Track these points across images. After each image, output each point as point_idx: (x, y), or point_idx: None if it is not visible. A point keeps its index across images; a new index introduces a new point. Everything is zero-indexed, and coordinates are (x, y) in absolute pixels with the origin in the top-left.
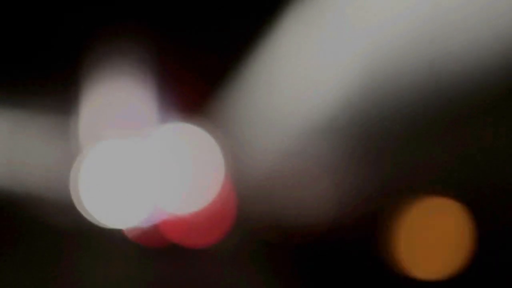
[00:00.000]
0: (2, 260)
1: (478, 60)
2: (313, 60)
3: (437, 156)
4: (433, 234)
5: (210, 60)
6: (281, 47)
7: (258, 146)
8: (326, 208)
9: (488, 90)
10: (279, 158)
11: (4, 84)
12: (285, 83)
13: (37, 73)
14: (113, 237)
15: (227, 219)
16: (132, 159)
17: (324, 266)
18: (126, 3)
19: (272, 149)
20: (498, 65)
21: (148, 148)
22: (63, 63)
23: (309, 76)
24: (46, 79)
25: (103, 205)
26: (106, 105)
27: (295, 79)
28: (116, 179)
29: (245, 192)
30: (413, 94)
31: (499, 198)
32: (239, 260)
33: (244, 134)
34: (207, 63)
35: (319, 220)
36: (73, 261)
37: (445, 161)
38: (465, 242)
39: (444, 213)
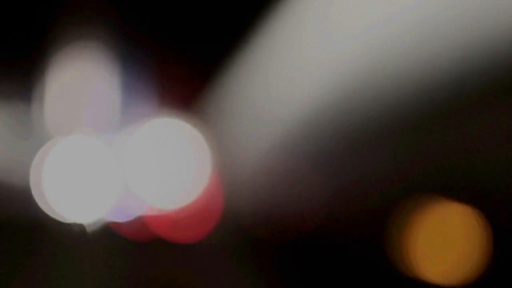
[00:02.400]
0: None
1: (475, 57)
2: (303, 57)
3: (431, 153)
4: (442, 237)
5: (199, 56)
6: (272, 44)
7: (246, 142)
8: (314, 205)
9: (483, 88)
10: (267, 154)
11: None
12: (275, 79)
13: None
14: (97, 230)
15: (214, 214)
16: (102, 154)
17: (310, 262)
18: None
19: (260, 144)
20: (495, 62)
21: (134, 142)
22: (26, 49)
23: (299, 73)
24: (8, 65)
25: (65, 199)
26: (75, 96)
27: (285, 75)
28: (79, 174)
29: (232, 187)
30: (408, 91)
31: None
32: (225, 256)
33: (232, 130)
34: (196, 58)
35: (307, 217)
36: (52, 256)
37: (441, 159)
38: (479, 248)
39: (456, 216)
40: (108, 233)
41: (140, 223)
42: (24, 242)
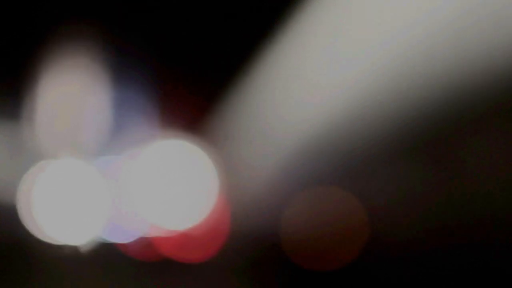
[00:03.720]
0: None
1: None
2: (309, 77)
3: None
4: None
5: (205, 76)
6: (278, 65)
7: (252, 162)
8: (324, 226)
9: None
10: (274, 175)
11: None
12: (282, 100)
13: None
14: (106, 251)
15: (221, 235)
16: (93, 176)
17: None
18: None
19: (268, 166)
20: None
21: (140, 164)
22: (16, 66)
23: (306, 93)
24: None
25: (55, 220)
26: (69, 116)
27: (291, 96)
28: (69, 196)
29: (239, 208)
30: (418, 99)
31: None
32: (231, 276)
33: (238, 150)
34: (202, 79)
35: (313, 239)
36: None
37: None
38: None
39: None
40: (114, 254)
41: (148, 243)
42: (11, 264)
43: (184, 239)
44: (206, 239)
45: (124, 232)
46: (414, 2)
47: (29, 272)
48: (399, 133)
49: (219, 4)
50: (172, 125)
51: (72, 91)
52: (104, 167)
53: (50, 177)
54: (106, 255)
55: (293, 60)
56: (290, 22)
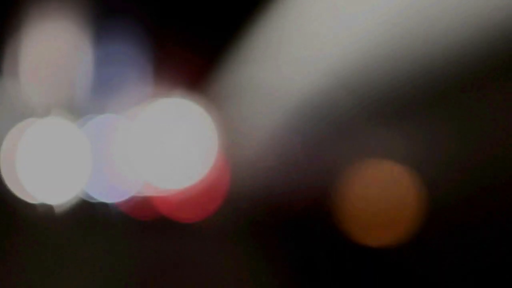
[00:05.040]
0: None
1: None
2: (311, 36)
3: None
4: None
5: (206, 35)
6: (280, 23)
7: (252, 122)
8: (318, 187)
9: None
10: (274, 134)
11: None
12: (282, 60)
13: None
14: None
15: (219, 194)
16: (75, 135)
17: (312, 246)
18: None
19: (267, 125)
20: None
21: (139, 122)
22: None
23: (305, 53)
24: None
25: (35, 179)
26: (56, 73)
27: (292, 55)
28: (50, 156)
29: (238, 168)
30: (410, 72)
31: None
32: (227, 236)
33: (239, 110)
34: (203, 38)
35: (310, 198)
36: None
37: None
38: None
39: (390, 178)
40: (110, 213)
41: (145, 202)
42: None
43: (182, 198)
44: (204, 198)
45: (118, 191)
46: None
47: (9, 229)
48: (402, 91)
49: None
50: (171, 83)
51: (60, 46)
52: (96, 126)
53: (34, 136)
54: (101, 214)
55: (296, 17)
56: None
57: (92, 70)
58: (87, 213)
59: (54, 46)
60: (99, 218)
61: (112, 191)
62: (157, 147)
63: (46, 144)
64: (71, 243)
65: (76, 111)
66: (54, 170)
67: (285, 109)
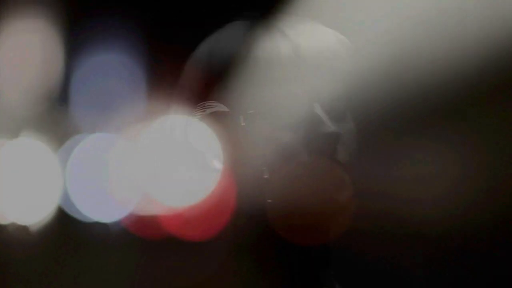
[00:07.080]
0: None
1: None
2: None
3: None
4: None
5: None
6: (285, 37)
7: (259, 139)
8: (330, 203)
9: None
10: (280, 151)
11: None
12: (289, 74)
13: None
14: (110, 229)
15: (226, 212)
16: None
17: (322, 264)
18: None
19: (274, 142)
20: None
21: (143, 139)
22: None
23: (312, 67)
24: None
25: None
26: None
27: (298, 70)
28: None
29: (245, 185)
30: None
31: None
32: (236, 253)
33: (244, 125)
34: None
35: (321, 215)
36: (69, 252)
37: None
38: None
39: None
40: (116, 233)
41: (151, 221)
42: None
43: (188, 216)
44: (210, 216)
45: (117, 210)
46: None
47: None
48: (410, 101)
49: None
50: (178, 100)
51: (47, 58)
52: (89, 144)
53: (13, 155)
54: (107, 234)
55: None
56: None
57: (84, 84)
58: (69, 232)
59: (40, 57)
60: (86, 237)
61: (108, 210)
62: (161, 165)
63: (20, 164)
64: (57, 261)
65: (66, 127)
66: (26, 189)
67: (291, 123)
